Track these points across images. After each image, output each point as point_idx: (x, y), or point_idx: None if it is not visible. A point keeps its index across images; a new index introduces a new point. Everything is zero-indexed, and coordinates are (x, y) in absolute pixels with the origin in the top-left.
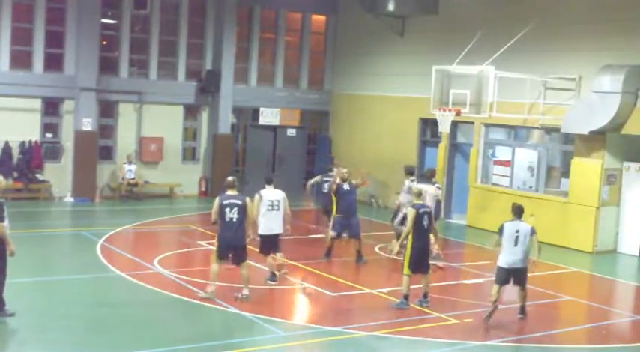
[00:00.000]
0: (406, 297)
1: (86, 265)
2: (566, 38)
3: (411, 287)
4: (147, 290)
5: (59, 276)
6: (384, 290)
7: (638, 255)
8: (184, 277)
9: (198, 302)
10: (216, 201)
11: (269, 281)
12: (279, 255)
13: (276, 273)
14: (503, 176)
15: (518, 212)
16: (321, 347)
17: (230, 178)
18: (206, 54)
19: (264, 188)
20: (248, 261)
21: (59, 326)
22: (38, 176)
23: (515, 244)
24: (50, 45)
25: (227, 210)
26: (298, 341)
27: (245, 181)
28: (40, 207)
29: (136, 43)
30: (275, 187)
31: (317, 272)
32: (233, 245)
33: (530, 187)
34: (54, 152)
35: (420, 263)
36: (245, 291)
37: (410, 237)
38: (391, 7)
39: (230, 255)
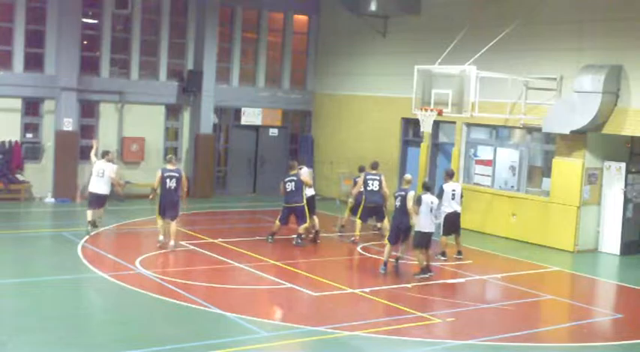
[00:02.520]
0: (397, 259)
1: (67, 266)
2: (548, 38)
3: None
4: (128, 290)
5: (39, 277)
6: (367, 289)
7: (618, 253)
8: (166, 278)
9: (180, 302)
10: (159, 173)
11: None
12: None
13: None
14: (485, 176)
15: (426, 187)
16: (303, 347)
17: (169, 155)
18: (188, 54)
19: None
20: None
21: (39, 327)
22: (18, 176)
23: (431, 211)
24: (30, 44)
25: (167, 179)
26: (281, 341)
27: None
28: (20, 208)
29: (117, 43)
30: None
31: (299, 272)
32: (170, 205)
33: (512, 187)
34: (34, 152)
35: (397, 236)
36: (172, 243)
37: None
38: (373, 6)
39: (166, 213)
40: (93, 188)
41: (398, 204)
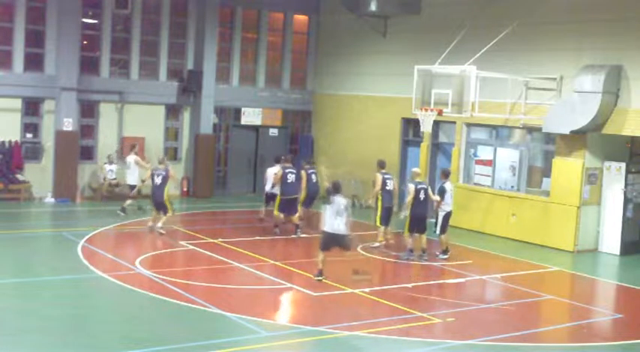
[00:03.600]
0: (411, 250)
1: (67, 266)
2: (548, 38)
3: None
4: (128, 291)
5: (39, 278)
6: (367, 289)
7: (618, 253)
8: (166, 278)
9: (180, 302)
10: (149, 172)
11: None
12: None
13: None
14: (485, 176)
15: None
16: (303, 346)
17: (161, 156)
18: (188, 54)
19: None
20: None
21: (39, 327)
22: (18, 176)
23: (338, 214)
24: (30, 44)
25: (154, 177)
26: (281, 341)
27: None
28: (20, 208)
29: (117, 43)
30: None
31: (299, 272)
32: (156, 200)
33: (512, 187)
34: (34, 152)
35: (416, 226)
36: (159, 225)
37: (410, 205)
38: (373, 6)
39: (155, 206)
40: (129, 180)
41: (422, 196)
